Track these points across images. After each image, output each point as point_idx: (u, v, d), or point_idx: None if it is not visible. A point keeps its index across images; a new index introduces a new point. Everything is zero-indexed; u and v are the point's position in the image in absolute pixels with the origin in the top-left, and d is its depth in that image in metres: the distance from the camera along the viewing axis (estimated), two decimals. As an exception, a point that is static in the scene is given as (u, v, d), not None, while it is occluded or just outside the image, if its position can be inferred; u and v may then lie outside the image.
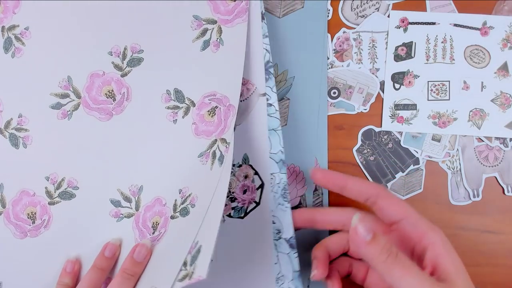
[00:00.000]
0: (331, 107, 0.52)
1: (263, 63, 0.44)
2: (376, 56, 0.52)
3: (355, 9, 0.52)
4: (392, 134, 0.52)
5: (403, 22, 0.52)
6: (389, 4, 0.52)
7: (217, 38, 0.45)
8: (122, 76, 0.47)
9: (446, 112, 0.52)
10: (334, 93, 0.52)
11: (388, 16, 0.53)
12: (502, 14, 0.52)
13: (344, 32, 0.52)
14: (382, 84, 0.52)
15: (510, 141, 0.52)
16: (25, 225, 0.47)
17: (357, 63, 0.52)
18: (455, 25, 0.52)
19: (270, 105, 0.44)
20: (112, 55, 0.47)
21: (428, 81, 0.52)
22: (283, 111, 0.48)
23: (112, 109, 0.47)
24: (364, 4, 0.52)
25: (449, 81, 0.52)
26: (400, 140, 0.52)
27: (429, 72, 0.52)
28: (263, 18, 0.45)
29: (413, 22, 0.52)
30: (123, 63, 0.47)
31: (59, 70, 0.48)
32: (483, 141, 0.52)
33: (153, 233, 0.44)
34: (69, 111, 0.47)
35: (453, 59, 0.52)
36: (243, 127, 0.45)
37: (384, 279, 0.37)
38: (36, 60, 0.48)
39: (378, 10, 0.52)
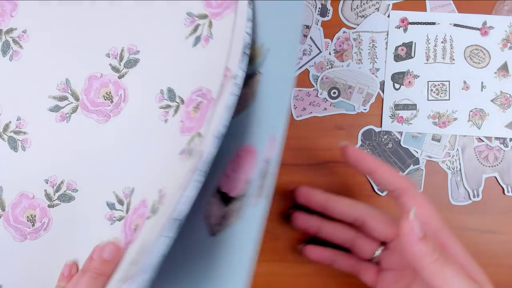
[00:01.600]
0: (331, 107, 0.52)
1: (242, 47, 0.41)
2: (376, 56, 0.52)
3: (355, 9, 0.52)
4: (392, 134, 0.52)
5: (403, 22, 0.52)
6: (389, 4, 0.52)
7: (207, 33, 0.44)
8: (119, 77, 0.47)
9: (446, 112, 0.52)
10: (334, 93, 0.52)
11: (388, 16, 0.53)
12: (502, 14, 0.52)
13: (344, 32, 0.52)
14: (382, 84, 0.52)
15: (510, 141, 0.52)
16: (25, 228, 0.47)
17: (357, 63, 0.52)
18: (455, 25, 0.52)
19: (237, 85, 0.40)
20: (109, 57, 0.46)
21: (428, 81, 0.52)
22: (253, 86, 0.42)
23: (109, 111, 0.47)
24: (364, 4, 0.52)
25: (449, 81, 0.52)
26: (400, 140, 0.52)
27: (429, 72, 0.52)
28: (249, 5, 0.43)
29: (413, 22, 0.52)
30: (120, 65, 0.46)
31: (58, 72, 0.47)
32: (483, 141, 0.52)
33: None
34: (68, 113, 0.47)
35: (453, 59, 0.52)
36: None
37: (428, 281, 0.35)
38: (34, 63, 0.47)
39: (378, 10, 0.52)
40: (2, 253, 0.47)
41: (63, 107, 0.47)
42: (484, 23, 0.52)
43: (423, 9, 0.53)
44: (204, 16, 0.45)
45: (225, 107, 0.36)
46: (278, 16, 0.42)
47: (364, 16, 0.52)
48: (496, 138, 0.52)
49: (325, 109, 0.52)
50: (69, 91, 0.47)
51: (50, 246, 0.47)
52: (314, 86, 0.53)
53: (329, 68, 0.52)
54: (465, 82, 0.52)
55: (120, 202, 0.46)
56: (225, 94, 0.39)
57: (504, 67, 0.52)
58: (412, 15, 0.52)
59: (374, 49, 0.52)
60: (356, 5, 0.53)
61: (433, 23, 0.52)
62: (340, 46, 0.52)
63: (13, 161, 0.47)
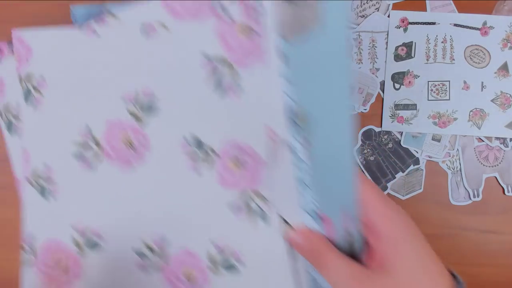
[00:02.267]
0: (331, 107, 0.52)
1: (283, 108, 0.40)
2: (376, 56, 0.52)
3: (355, 9, 0.52)
4: (392, 134, 0.52)
5: (403, 22, 0.52)
6: (389, 4, 0.52)
7: (232, 81, 0.42)
8: (138, 123, 0.45)
9: (446, 112, 0.52)
10: (334, 93, 0.52)
11: (388, 16, 0.53)
12: (502, 14, 0.52)
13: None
14: (382, 84, 0.52)
15: (510, 141, 0.52)
16: (59, 274, 0.46)
17: (357, 63, 0.52)
18: (455, 25, 0.52)
19: (298, 156, 0.40)
20: (125, 102, 0.45)
21: (428, 81, 0.52)
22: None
23: (132, 158, 0.45)
24: (364, 4, 0.52)
25: (449, 81, 0.52)
26: (400, 140, 0.52)
27: (429, 72, 0.52)
28: (281, 57, 0.39)
29: (413, 22, 0.52)
30: (137, 109, 0.45)
31: (78, 118, 0.46)
32: (483, 141, 0.52)
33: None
34: (91, 161, 0.46)
35: (453, 59, 0.52)
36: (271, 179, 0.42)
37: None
38: (56, 109, 0.46)
39: (378, 10, 0.52)
40: None
41: (87, 154, 0.46)
42: (484, 23, 0.52)
43: (423, 9, 0.53)
44: (224, 61, 0.42)
45: (293, 179, 0.39)
46: (319, 77, 0.39)
47: (364, 16, 0.52)
48: (496, 138, 0.52)
49: (325, 109, 0.52)
50: (91, 137, 0.46)
51: None
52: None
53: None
54: (465, 82, 0.52)
55: (151, 250, 0.46)
56: (284, 162, 0.40)
57: (504, 67, 0.52)
58: (412, 15, 0.52)
59: (374, 49, 0.52)
60: (356, 5, 0.53)
61: (433, 23, 0.52)
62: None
63: (42, 208, 0.47)
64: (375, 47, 0.52)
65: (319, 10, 0.36)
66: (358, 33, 0.52)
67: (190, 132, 0.44)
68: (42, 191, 0.46)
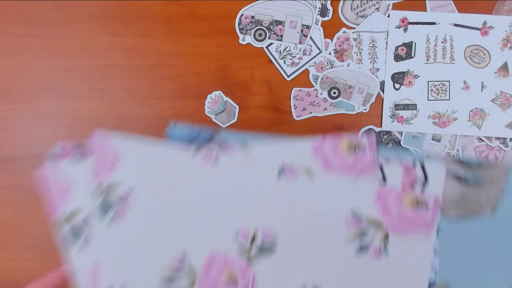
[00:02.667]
0: (331, 107, 0.52)
1: (426, 279, 0.38)
2: (376, 56, 0.52)
3: (355, 9, 0.52)
4: (392, 134, 0.52)
5: (403, 22, 0.52)
6: (389, 4, 0.52)
7: (381, 245, 0.39)
8: (248, 263, 0.40)
9: (446, 112, 0.52)
10: (334, 93, 0.52)
11: (388, 16, 0.53)
12: (502, 14, 0.52)
13: (344, 32, 0.52)
14: (382, 84, 0.52)
15: (510, 141, 0.52)
16: None
17: (357, 63, 0.52)
18: (455, 25, 0.52)
19: None
20: (238, 236, 0.41)
21: (428, 81, 0.52)
22: None
23: None
24: (364, 4, 0.52)
25: (449, 81, 0.52)
26: (400, 140, 0.52)
27: (429, 72, 0.52)
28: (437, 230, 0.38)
29: (413, 22, 0.52)
30: (250, 249, 0.40)
31: (174, 242, 0.41)
32: (483, 141, 0.52)
33: None
34: None
35: (453, 59, 0.52)
36: None
37: None
38: (145, 227, 0.42)
39: (378, 10, 0.52)
40: None
41: (177, 281, 0.41)
42: (484, 23, 0.52)
43: (423, 9, 0.53)
44: (378, 225, 0.39)
45: None
46: (475, 256, 0.39)
47: (364, 16, 0.52)
48: (496, 138, 0.52)
49: (325, 109, 0.52)
50: (185, 265, 0.41)
51: None
52: (314, 86, 0.53)
53: (329, 68, 0.52)
54: (465, 82, 0.52)
55: None
56: None
57: (504, 67, 0.52)
58: (412, 15, 0.52)
59: (374, 49, 0.52)
60: (356, 5, 0.53)
61: (433, 23, 0.52)
62: (340, 46, 0.52)
63: None
64: (375, 47, 0.52)
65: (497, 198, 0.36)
66: (358, 33, 0.52)
67: (312, 282, 0.40)
68: None
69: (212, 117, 0.54)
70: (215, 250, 0.41)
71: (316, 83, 0.52)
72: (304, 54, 0.53)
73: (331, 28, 0.53)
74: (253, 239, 0.40)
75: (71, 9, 0.54)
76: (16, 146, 0.54)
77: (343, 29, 0.53)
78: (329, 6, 0.53)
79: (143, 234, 0.41)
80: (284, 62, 0.53)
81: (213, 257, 0.41)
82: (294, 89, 0.53)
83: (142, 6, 0.54)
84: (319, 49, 0.53)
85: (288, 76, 0.53)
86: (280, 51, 0.53)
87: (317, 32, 0.53)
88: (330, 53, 0.53)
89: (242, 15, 0.53)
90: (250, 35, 0.53)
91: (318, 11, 0.53)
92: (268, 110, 0.54)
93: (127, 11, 0.54)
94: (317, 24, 0.53)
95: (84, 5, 0.54)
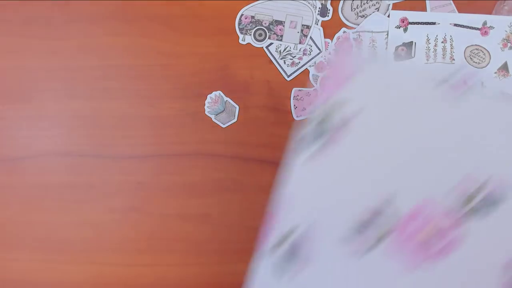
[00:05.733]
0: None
1: None
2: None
3: (355, 9, 0.52)
4: (392, 134, 0.52)
5: (403, 22, 0.52)
6: (389, 4, 0.52)
7: None
8: (457, 221, 0.37)
9: (446, 112, 0.52)
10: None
11: (388, 16, 0.52)
12: (502, 14, 0.52)
13: (344, 32, 0.52)
14: (382, 84, 0.52)
15: (510, 141, 0.52)
16: None
17: (357, 63, 0.52)
18: (455, 25, 0.52)
19: None
20: (459, 188, 0.37)
21: (428, 81, 0.52)
22: None
23: (425, 257, 0.37)
24: (364, 4, 0.52)
25: (449, 81, 0.52)
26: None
27: (429, 72, 0.52)
28: None
29: (413, 22, 0.52)
30: (469, 202, 0.37)
31: (384, 180, 0.38)
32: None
33: None
34: (377, 237, 0.37)
35: (453, 59, 0.52)
36: None
37: None
38: (357, 158, 0.38)
39: (378, 10, 0.52)
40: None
41: (369, 229, 0.37)
42: (484, 23, 0.52)
43: (423, 9, 0.53)
44: None
45: None
46: None
47: (364, 16, 0.52)
48: (496, 138, 0.52)
49: (325, 109, 0.52)
50: (389, 210, 0.37)
51: None
52: (314, 86, 0.53)
53: (329, 68, 0.52)
54: (465, 82, 0.52)
55: None
56: None
57: (504, 67, 0.52)
58: (412, 15, 0.52)
59: (374, 49, 0.52)
60: (356, 5, 0.53)
61: (433, 23, 0.52)
62: (340, 46, 0.52)
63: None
64: (375, 47, 0.52)
65: None
66: (358, 33, 0.52)
67: None
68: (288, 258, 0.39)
69: (212, 117, 0.54)
70: (426, 200, 0.37)
71: (316, 83, 0.52)
72: (304, 54, 0.53)
73: (331, 28, 0.53)
74: (478, 191, 0.36)
75: (71, 9, 0.54)
76: (16, 146, 0.54)
77: (343, 29, 0.52)
78: (329, 6, 0.53)
79: (353, 163, 0.38)
80: (284, 62, 0.53)
81: (421, 208, 0.37)
82: (294, 89, 0.53)
83: (142, 6, 0.54)
84: (319, 49, 0.53)
85: (288, 76, 0.53)
86: (280, 51, 0.53)
87: (317, 32, 0.53)
88: (330, 53, 0.53)
89: (242, 15, 0.53)
90: (250, 35, 0.53)
91: (318, 11, 0.53)
92: (268, 110, 0.54)
93: (127, 11, 0.54)
94: (317, 24, 0.53)
95: (84, 5, 0.54)
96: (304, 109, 0.52)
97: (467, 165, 0.36)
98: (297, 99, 0.53)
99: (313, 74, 0.53)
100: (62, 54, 0.54)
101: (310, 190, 0.39)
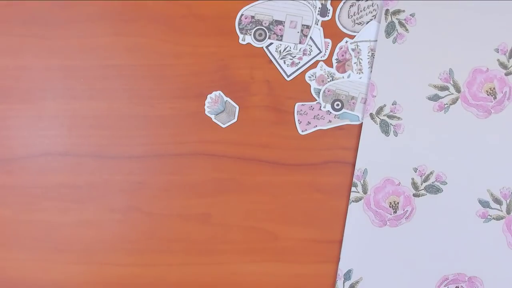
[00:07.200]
0: (335, 119, 0.52)
1: None
2: (376, 63, 0.52)
3: (352, 16, 0.52)
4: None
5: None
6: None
7: None
8: (506, 74, 0.45)
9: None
10: (338, 105, 0.52)
11: (387, 22, 0.52)
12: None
13: (346, 42, 0.52)
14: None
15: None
16: (386, 213, 0.48)
17: (357, 73, 0.52)
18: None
19: None
20: (498, 52, 0.45)
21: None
22: None
23: (491, 107, 0.45)
24: (361, 11, 0.52)
25: (448, 84, 0.53)
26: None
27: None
28: None
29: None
30: (508, 62, 0.45)
31: (441, 61, 0.46)
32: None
33: None
34: (446, 104, 0.46)
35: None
36: None
37: None
38: (418, 49, 0.47)
39: (375, 18, 0.52)
40: (360, 235, 0.48)
41: (443, 97, 0.46)
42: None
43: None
44: None
45: None
46: None
47: (361, 23, 0.52)
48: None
49: (330, 121, 0.52)
50: (451, 82, 0.46)
51: (409, 235, 0.47)
52: (317, 100, 0.53)
53: (330, 80, 0.52)
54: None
55: (497, 201, 0.46)
56: None
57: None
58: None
59: (373, 58, 0.52)
60: (353, 12, 0.52)
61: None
62: (342, 56, 0.52)
63: (382, 145, 0.48)
64: (374, 56, 0.52)
65: None
66: (356, 43, 0.52)
67: None
68: (385, 128, 0.47)
69: (212, 117, 0.54)
70: (478, 67, 0.45)
71: (319, 97, 0.52)
72: (304, 54, 0.53)
73: (331, 28, 0.53)
74: (511, 54, 0.45)
75: (71, 9, 0.53)
76: (16, 146, 0.54)
77: (346, 39, 0.52)
78: (329, 6, 0.53)
79: (416, 55, 0.47)
80: (284, 62, 0.53)
81: (476, 73, 0.45)
82: (297, 104, 0.53)
83: (142, 6, 0.54)
84: (319, 49, 0.53)
85: (288, 76, 0.53)
86: (280, 51, 0.53)
87: (317, 32, 0.53)
88: (332, 63, 0.53)
89: (242, 15, 0.53)
90: (250, 35, 0.53)
91: (318, 11, 0.53)
92: (268, 110, 0.54)
93: (127, 11, 0.54)
94: (317, 24, 0.53)
95: (84, 5, 0.53)
96: (309, 123, 0.52)
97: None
98: (300, 114, 0.53)
99: (314, 88, 0.53)
100: (62, 54, 0.54)
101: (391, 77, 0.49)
